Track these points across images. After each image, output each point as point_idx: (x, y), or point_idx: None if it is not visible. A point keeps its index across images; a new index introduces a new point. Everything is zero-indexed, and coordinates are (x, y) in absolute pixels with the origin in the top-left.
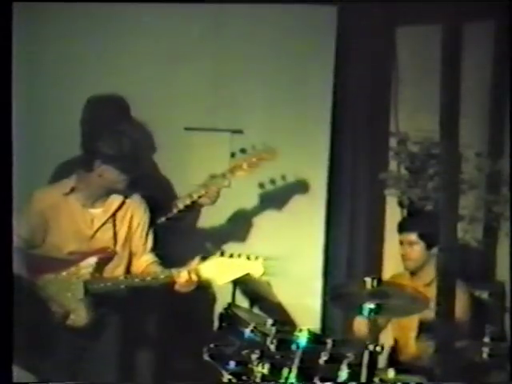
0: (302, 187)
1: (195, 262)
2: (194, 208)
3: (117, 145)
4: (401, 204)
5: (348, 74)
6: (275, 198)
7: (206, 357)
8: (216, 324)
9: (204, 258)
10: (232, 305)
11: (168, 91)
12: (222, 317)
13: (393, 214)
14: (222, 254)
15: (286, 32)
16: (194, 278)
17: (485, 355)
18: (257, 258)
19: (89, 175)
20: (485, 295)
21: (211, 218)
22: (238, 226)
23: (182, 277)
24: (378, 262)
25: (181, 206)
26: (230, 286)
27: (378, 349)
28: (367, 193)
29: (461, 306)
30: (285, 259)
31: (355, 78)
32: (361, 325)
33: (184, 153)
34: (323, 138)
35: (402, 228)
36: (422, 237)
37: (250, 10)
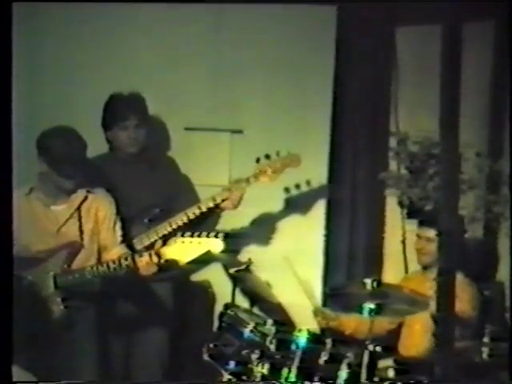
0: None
1: (157, 245)
2: (215, 212)
3: (52, 148)
4: (401, 204)
5: (348, 74)
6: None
7: (205, 357)
8: (216, 324)
9: (165, 241)
10: (232, 305)
11: (168, 91)
12: (221, 317)
13: (393, 214)
14: (183, 235)
15: (286, 32)
16: (155, 259)
17: (485, 355)
18: (217, 235)
19: (45, 174)
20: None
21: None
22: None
23: (143, 260)
24: (378, 261)
25: (204, 208)
26: (230, 286)
27: (378, 349)
28: (367, 193)
29: (464, 304)
30: (285, 259)
31: (355, 78)
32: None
33: (184, 153)
34: (323, 138)
35: (422, 223)
36: (439, 233)
37: (250, 10)
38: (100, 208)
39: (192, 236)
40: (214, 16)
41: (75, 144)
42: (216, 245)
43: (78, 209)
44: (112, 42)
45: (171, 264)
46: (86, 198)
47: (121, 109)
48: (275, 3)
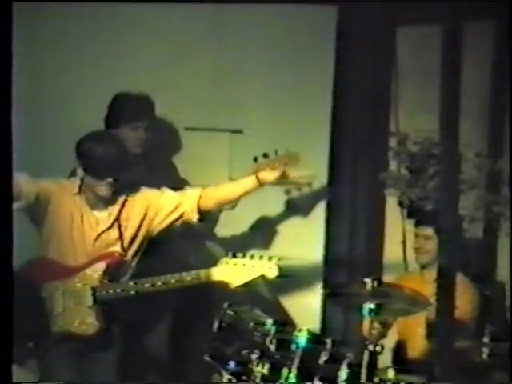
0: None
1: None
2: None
3: (87, 154)
4: (401, 204)
5: (348, 74)
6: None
7: (206, 357)
8: (216, 324)
9: (216, 262)
10: (232, 305)
11: (168, 91)
12: (222, 317)
13: (393, 214)
14: (235, 256)
15: (286, 32)
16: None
17: (485, 355)
18: (270, 258)
19: (84, 179)
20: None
21: (232, 224)
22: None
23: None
24: (378, 262)
25: None
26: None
27: (378, 349)
28: (367, 193)
29: (465, 304)
30: (285, 259)
31: (355, 78)
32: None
33: (184, 153)
34: (323, 137)
35: (419, 222)
36: (438, 232)
37: (250, 9)
38: (137, 212)
39: (244, 257)
40: (214, 16)
41: (109, 149)
42: (270, 269)
43: (118, 217)
44: (112, 42)
45: (223, 286)
46: (124, 205)
47: (133, 109)
48: (275, 3)
